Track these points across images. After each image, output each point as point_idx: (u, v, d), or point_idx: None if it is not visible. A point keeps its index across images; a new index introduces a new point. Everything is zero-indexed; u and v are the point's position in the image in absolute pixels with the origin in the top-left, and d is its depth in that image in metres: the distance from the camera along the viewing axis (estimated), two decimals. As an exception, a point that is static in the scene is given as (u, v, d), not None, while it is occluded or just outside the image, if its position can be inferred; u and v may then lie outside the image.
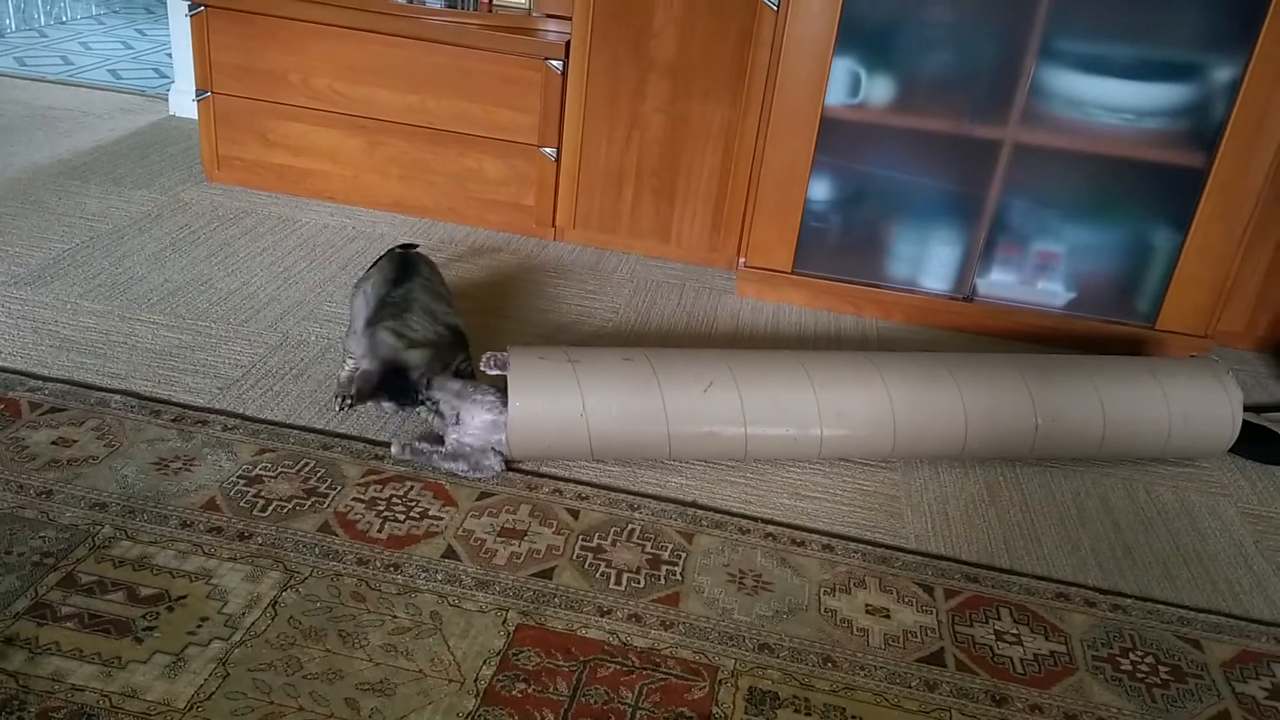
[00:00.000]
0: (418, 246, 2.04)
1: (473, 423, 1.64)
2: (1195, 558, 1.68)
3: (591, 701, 1.26)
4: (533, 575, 1.46)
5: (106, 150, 2.87)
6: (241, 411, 1.76)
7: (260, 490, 1.57)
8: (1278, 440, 2.00)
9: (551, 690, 1.27)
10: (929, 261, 2.38)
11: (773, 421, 1.71)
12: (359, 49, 2.49)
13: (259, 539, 1.46)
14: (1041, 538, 1.69)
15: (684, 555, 1.54)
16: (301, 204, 2.65)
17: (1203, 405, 1.84)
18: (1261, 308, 2.39)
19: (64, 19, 4.40)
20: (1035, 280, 2.36)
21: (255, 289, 2.19)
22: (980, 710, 1.33)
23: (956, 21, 2.20)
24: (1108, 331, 2.33)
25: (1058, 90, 2.18)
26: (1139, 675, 1.41)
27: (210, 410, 1.75)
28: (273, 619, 1.33)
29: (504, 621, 1.37)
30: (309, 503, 1.55)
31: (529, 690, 1.27)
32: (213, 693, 1.21)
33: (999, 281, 2.36)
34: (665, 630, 1.39)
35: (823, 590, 1.51)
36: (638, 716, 1.25)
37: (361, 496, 1.58)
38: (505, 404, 1.63)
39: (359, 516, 1.54)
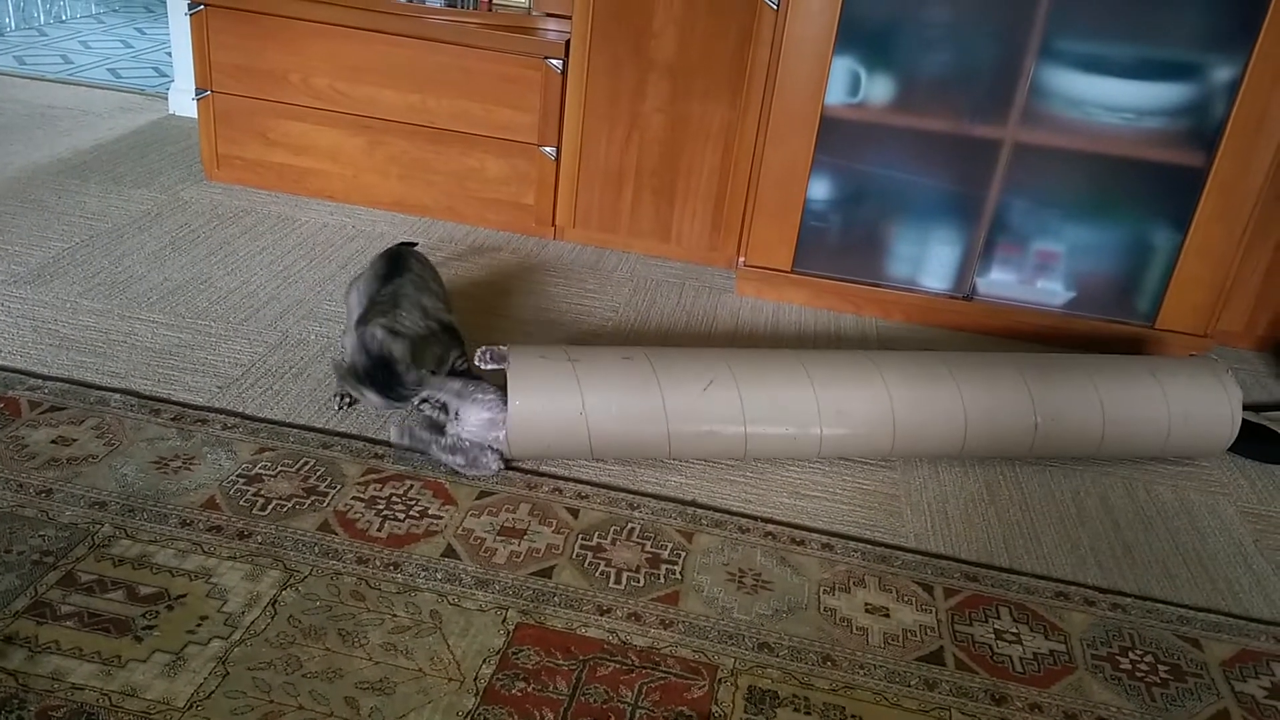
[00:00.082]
0: (417, 244, 2.04)
1: (471, 420, 1.64)
2: (1195, 557, 1.68)
3: (591, 700, 1.26)
4: (532, 574, 1.46)
5: (106, 149, 2.87)
6: (241, 410, 1.76)
7: (260, 489, 1.57)
8: (1277, 439, 2.00)
9: (551, 689, 1.27)
10: (929, 261, 2.38)
11: (772, 420, 1.71)
12: (359, 48, 2.49)
13: (259, 538, 1.46)
14: (1041, 537, 1.69)
15: (683, 554, 1.54)
16: (301, 203, 2.65)
17: (1202, 404, 1.84)
18: (1261, 307, 2.39)
19: (64, 18, 4.40)
20: (1035, 279, 2.36)
21: (255, 288, 2.19)
22: (980, 709, 1.33)
23: (956, 21, 2.20)
24: (1107, 331, 2.33)
25: (1057, 90, 2.18)
26: (1138, 674, 1.41)
27: (210, 409, 1.75)
28: (272, 618, 1.33)
29: (504, 620, 1.37)
30: (309, 501, 1.55)
31: (529, 689, 1.27)
32: (212, 692, 1.21)
33: (999, 281, 2.36)
34: (665, 629, 1.39)
35: (822, 589, 1.51)
36: (637, 715, 1.25)
37: (361, 495, 1.58)
38: (505, 403, 1.63)
39: (359, 515, 1.54)
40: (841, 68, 2.23)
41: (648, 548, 1.55)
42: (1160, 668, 1.43)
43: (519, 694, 1.26)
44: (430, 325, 1.76)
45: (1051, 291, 2.36)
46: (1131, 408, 1.81)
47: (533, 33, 2.46)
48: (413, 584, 1.42)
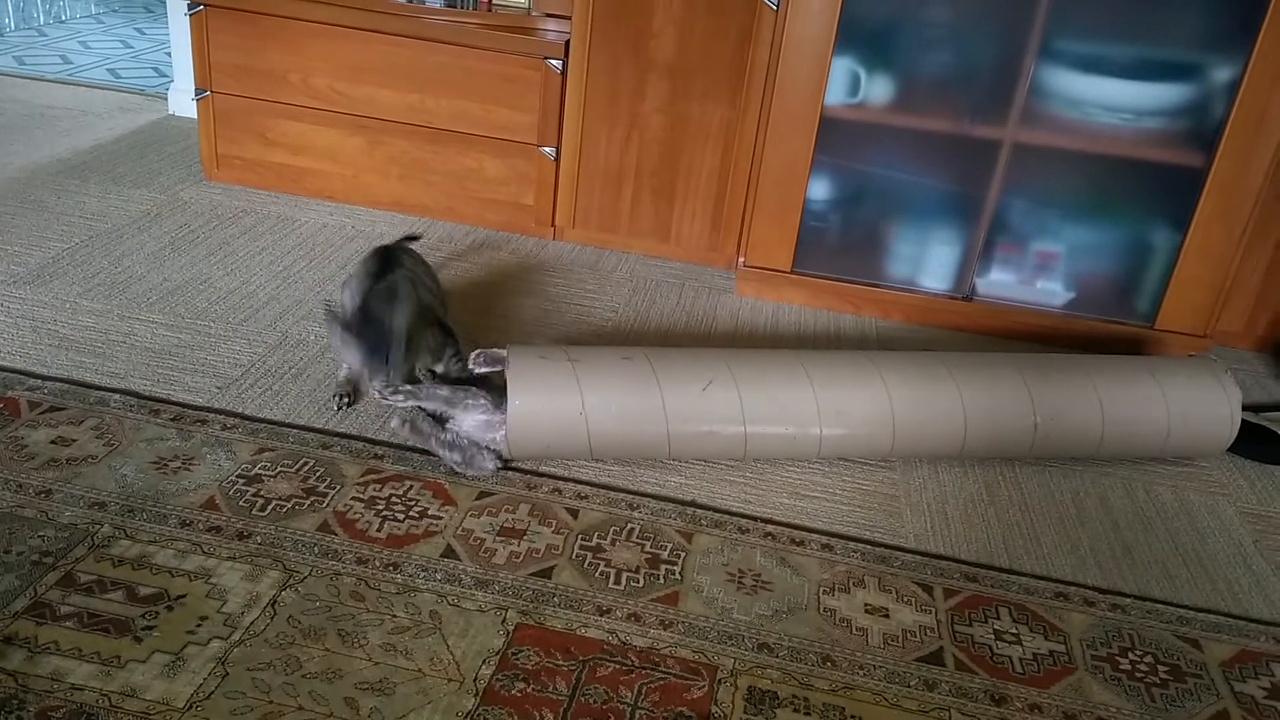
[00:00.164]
0: (420, 237, 2.03)
1: (466, 424, 1.64)
2: (1194, 557, 1.68)
3: (591, 701, 1.26)
4: (532, 574, 1.46)
5: (106, 149, 2.87)
6: (241, 411, 1.76)
7: (259, 489, 1.57)
8: (1276, 440, 2.00)
9: (551, 689, 1.27)
10: (928, 261, 2.38)
11: (772, 420, 1.71)
12: (359, 48, 2.49)
13: (258, 538, 1.46)
14: (1040, 537, 1.69)
15: (683, 555, 1.54)
16: (301, 203, 2.65)
17: (1201, 405, 1.84)
18: (1261, 307, 2.39)
19: (63, 18, 4.40)
20: (1035, 280, 2.36)
21: (254, 288, 2.19)
22: (979, 709, 1.33)
23: (956, 21, 2.20)
24: (1107, 331, 2.33)
25: (1057, 90, 2.18)
26: (1138, 675, 1.41)
27: (209, 409, 1.75)
28: (272, 618, 1.33)
29: (503, 621, 1.37)
30: (308, 502, 1.55)
31: (528, 689, 1.27)
32: (212, 692, 1.21)
33: (998, 281, 2.36)
34: (664, 629, 1.39)
35: (822, 590, 1.51)
36: (637, 716, 1.25)
37: (361, 496, 1.58)
38: (497, 405, 1.63)
39: (358, 516, 1.54)
40: (841, 68, 2.23)
41: (647, 548, 1.55)
42: (1160, 668, 1.43)
43: (519, 694, 1.26)
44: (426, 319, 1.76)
45: (1051, 292, 2.36)
46: (1131, 408, 1.81)
47: (532, 33, 2.46)
48: (412, 584, 1.42)
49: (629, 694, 1.28)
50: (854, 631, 1.43)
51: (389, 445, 1.71)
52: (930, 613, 1.49)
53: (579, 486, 1.67)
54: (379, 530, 1.51)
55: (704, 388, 1.67)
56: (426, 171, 2.60)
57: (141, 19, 4.57)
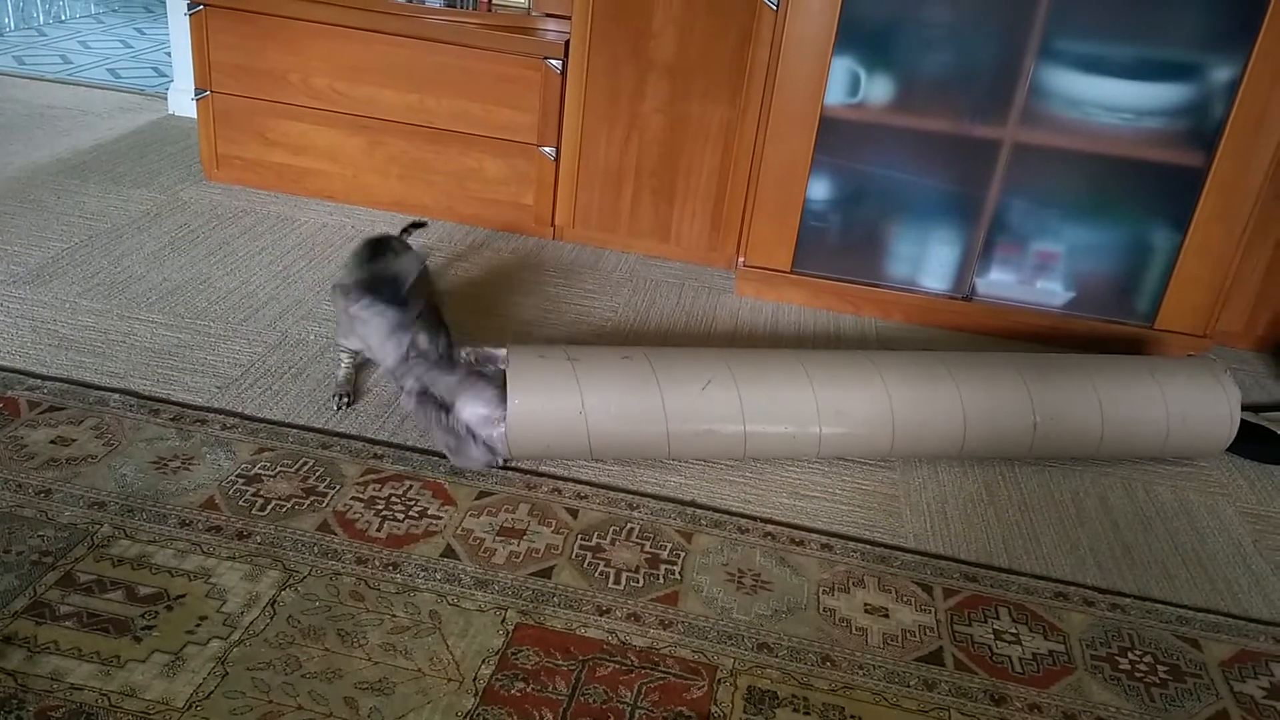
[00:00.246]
0: (426, 224, 2.02)
1: (466, 413, 1.63)
2: (1194, 557, 1.68)
3: (590, 701, 1.26)
4: (532, 574, 1.46)
5: (105, 149, 2.87)
6: (240, 410, 1.76)
7: (259, 489, 1.57)
8: (1276, 440, 2.00)
9: (550, 689, 1.27)
10: (928, 261, 2.38)
11: (772, 420, 1.71)
12: (359, 48, 2.49)
13: (258, 538, 1.46)
14: (1040, 537, 1.69)
15: (683, 554, 1.54)
16: (301, 203, 2.65)
17: (1201, 405, 1.84)
18: (1260, 307, 2.39)
19: (63, 18, 4.40)
20: (1034, 280, 2.36)
21: (254, 288, 2.19)
22: (979, 709, 1.33)
23: (956, 21, 2.20)
24: (1107, 331, 2.33)
25: (1057, 90, 2.18)
26: (1137, 674, 1.42)
27: (209, 409, 1.75)
28: (271, 618, 1.33)
29: (503, 621, 1.37)
30: (308, 502, 1.55)
31: (528, 689, 1.27)
32: (211, 692, 1.21)
33: (998, 281, 2.36)
34: (664, 629, 1.39)
35: (821, 589, 1.51)
36: (636, 716, 1.25)
37: (360, 495, 1.58)
38: (500, 401, 1.63)
39: (358, 515, 1.54)
40: (841, 68, 2.23)
41: (647, 548, 1.55)
42: (1159, 668, 1.43)
43: (518, 694, 1.26)
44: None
45: (1051, 292, 2.36)
46: (1131, 408, 1.81)
47: (532, 33, 2.46)
48: (412, 584, 1.42)
49: (629, 694, 1.28)
50: (853, 631, 1.43)
51: (389, 445, 1.71)
52: (930, 612, 1.49)
53: (579, 486, 1.67)
54: (379, 530, 1.51)
55: (703, 387, 1.67)
56: (426, 171, 2.60)
57: (141, 19, 4.57)
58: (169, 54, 3.73)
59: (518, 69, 2.44)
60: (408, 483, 1.62)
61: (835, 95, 2.25)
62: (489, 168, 2.56)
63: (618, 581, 1.47)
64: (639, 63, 2.38)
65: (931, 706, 1.32)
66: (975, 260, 2.34)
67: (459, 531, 1.53)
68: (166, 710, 1.18)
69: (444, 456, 1.68)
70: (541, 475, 1.69)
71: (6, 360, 1.82)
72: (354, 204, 2.67)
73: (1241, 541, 1.74)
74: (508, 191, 2.58)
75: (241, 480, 1.58)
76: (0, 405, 1.69)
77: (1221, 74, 2.12)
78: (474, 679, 1.27)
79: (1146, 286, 2.33)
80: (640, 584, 1.47)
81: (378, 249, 1.86)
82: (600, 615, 1.40)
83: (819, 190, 2.36)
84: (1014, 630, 1.47)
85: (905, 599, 1.51)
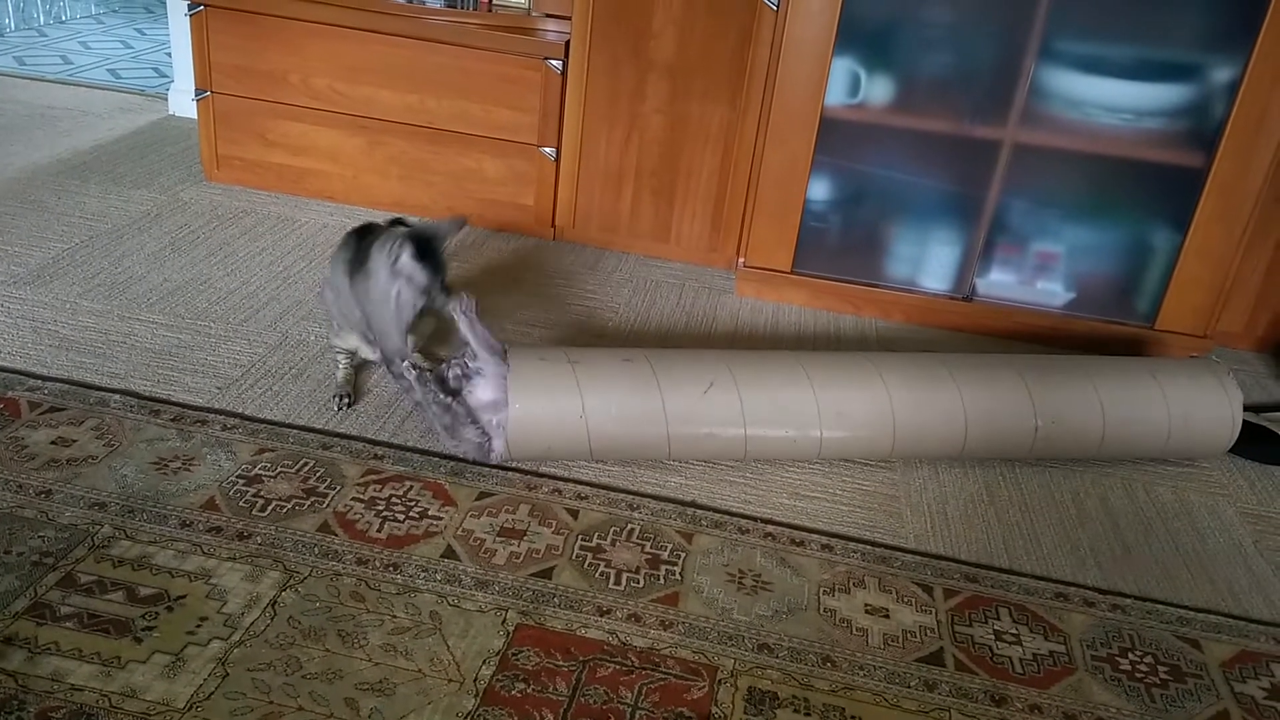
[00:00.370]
0: (467, 221, 2.01)
1: (477, 393, 1.62)
2: (1194, 558, 1.68)
3: (591, 701, 1.26)
4: (532, 575, 1.46)
5: (106, 150, 2.87)
6: (241, 411, 1.76)
7: (259, 490, 1.57)
8: (1277, 440, 2.00)
9: (551, 690, 1.27)
10: (928, 261, 2.38)
11: (772, 423, 1.71)
12: (359, 49, 2.49)
13: (258, 539, 1.46)
14: (1041, 538, 1.69)
15: (683, 555, 1.54)
16: (301, 203, 2.65)
17: (1202, 406, 1.84)
18: (1261, 308, 2.39)
19: (63, 18, 4.40)
20: (1035, 280, 2.36)
21: (254, 288, 2.19)
22: (979, 710, 1.33)
23: (956, 22, 2.20)
24: (1107, 332, 2.33)
25: (1057, 90, 2.18)
26: (1138, 675, 1.41)
27: (209, 410, 1.75)
28: (272, 619, 1.33)
29: (503, 621, 1.37)
30: (308, 502, 1.55)
31: (528, 690, 1.27)
32: (212, 692, 1.21)
33: (998, 281, 2.36)
34: (664, 630, 1.39)
35: (822, 590, 1.51)
36: (637, 716, 1.25)
37: (361, 496, 1.58)
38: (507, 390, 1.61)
39: (358, 516, 1.54)
40: (841, 68, 2.23)
41: (647, 549, 1.55)
42: (1160, 669, 1.43)
43: (519, 695, 1.26)
44: None
45: (1051, 292, 2.36)
46: (1132, 409, 1.81)
47: (532, 33, 2.46)
48: (412, 585, 1.41)
49: (629, 694, 1.28)
50: (854, 632, 1.43)
51: (389, 446, 1.71)
52: (930, 613, 1.49)
53: (579, 487, 1.67)
54: (379, 531, 1.51)
55: (705, 390, 1.67)
56: (426, 172, 2.60)
57: (141, 19, 4.57)
58: (169, 54, 3.73)
59: (518, 69, 2.44)
60: (408, 483, 1.62)
61: (835, 96, 2.25)
62: (489, 168, 2.56)
63: (618, 582, 1.47)
64: (639, 63, 2.38)
65: (932, 707, 1.32)
66: (975, 261, 2.34)
67: (459, 532, 1.53)
68: (167, 711, 1.18)
69: (444, 457, 1.68)
70: (542, 476, 1.69)
71: (7, 361, 1.82)
72: (354, 204, 2.66)
73: (1242, 542, 1.74)
74: (508, 192, 2.58)
75: (242, 481, 1.58)
76: (1, 406, 1.69)
77: (1222, 74, 2.12)
78: (474, 680, 1.27)
79: (1147, 287, 2.33)
80: (641, 584, 1.47)
81: (361, 236, 1.83)
82: (601, 616, 1.40)
83: (819, 191, 2.36)
84: (1014, 631, 1.47)
85: (906, 600, 1.51)
